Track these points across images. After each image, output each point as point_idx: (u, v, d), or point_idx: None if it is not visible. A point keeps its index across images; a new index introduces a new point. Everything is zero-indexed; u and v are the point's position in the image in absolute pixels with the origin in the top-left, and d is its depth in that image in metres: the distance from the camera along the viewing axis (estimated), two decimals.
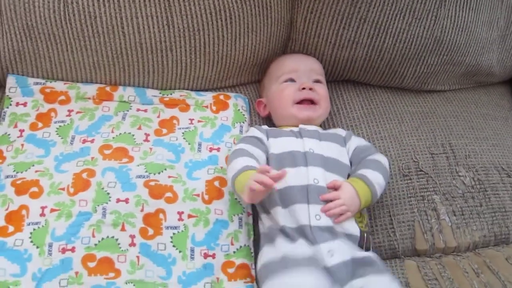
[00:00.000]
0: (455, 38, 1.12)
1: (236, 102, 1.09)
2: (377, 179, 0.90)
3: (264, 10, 1.05)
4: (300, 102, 1.00)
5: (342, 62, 1.13)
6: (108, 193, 0.89)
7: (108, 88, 1.06)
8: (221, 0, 1.00)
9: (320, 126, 1.05)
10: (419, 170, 1.05)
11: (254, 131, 0.98)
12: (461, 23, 1.11)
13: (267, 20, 1.06)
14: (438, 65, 1.15)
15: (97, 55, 1.00)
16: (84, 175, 0.90)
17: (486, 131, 1.15)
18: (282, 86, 1.03)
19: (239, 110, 1.08)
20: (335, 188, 0.87)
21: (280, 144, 0.95)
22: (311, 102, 1.01)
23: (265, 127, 1.01)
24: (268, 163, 0.93)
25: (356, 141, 0.99)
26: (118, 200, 0.88)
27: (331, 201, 0.85)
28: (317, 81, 1.05)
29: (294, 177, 0.88)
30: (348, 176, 0.93)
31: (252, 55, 1.10)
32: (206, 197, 0.92)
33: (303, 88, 1.00)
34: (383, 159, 0.96)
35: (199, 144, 1.00)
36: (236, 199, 0.94)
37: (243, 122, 1.07)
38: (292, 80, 1.03)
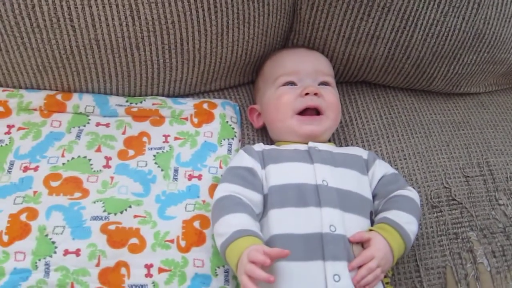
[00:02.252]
0: (499, 31, 0.95)
1: (224, 111, 0.91)
2: (412, 227, 0.73)
3: None
4: (303, 111, 0.83)
5: (358, 61, 0.97)
6: (54, 242, 0.72)
7: (59, 96, 0.87)
8: None
9: (331, 141, 0.88)
10: (451, 199, 0.89)
11: (244, 158, 0.78)
12: (508, 11, 0.94)
13: (263, 8, 0.88)
14: (476, 65, 0.99)
15: (40, 55, 0.81)
16: (23, 217, 0.74)
17: None
18: (280, 91, 0.85)
19: (227, 122, 0.89)
20: (362, 241, 0.69)
21: (282, 173, 0.76)
22: (316, 111, 0.83)
23: (259, 146, 0.81)
24: (266, 200, 0.73)
25: (382, 168, 0.81)
26: (66, 252, 0.72)
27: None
28: (325, 83, 0.87)
29: (303, 221, 0.70)
30: (371, 214, 0.76)
31: (244, 53, 0.91)
32: (182, 243, 0.75)
33: (307, 94, 0.82)
34: (415, 196, 0.79)
35: (175, 170, 0.82)
36: None
37: (233, 138, 0.88)
38: (292, 83, 0.86)
